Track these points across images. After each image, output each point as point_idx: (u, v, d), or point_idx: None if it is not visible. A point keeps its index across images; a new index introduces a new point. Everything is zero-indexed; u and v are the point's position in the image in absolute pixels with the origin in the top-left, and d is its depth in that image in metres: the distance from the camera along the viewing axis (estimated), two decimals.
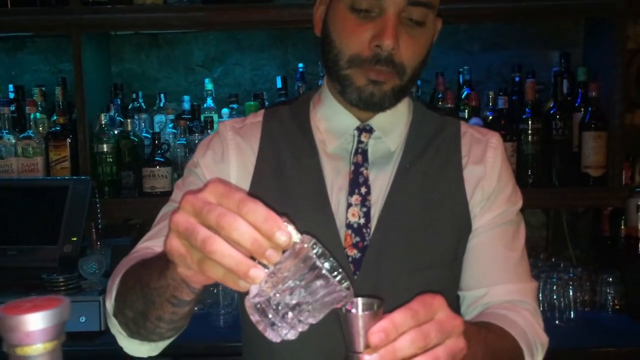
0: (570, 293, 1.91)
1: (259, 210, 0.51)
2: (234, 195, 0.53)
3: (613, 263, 2.08)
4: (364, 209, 0.92)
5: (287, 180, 0.95)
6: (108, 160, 2.06)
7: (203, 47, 2.36)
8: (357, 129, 0.96)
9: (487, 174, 0.96)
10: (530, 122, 2.03)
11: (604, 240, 2.18)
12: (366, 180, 0.93)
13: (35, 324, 0.38)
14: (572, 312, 1.90)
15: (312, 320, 0.55)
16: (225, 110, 2.16)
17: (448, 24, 2.40)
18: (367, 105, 0.91)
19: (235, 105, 2.17)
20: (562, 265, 2.04)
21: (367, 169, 0.94)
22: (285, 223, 0.52)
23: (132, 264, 0.81)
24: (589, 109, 2.01)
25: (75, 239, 1.87)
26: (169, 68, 2.36)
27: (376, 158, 0.96)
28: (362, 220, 0.91)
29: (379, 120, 0.96)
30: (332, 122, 0.97)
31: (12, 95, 2.20)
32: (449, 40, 2.32)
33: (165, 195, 2.07)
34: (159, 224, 0.95)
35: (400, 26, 0.86)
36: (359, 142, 0.95)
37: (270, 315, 0.53)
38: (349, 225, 0.91)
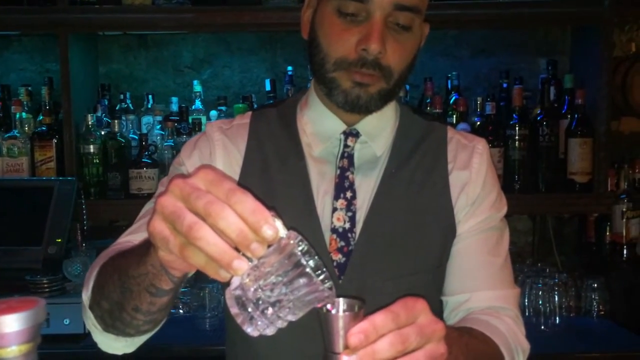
0: (556, 298, 1.91)
1: (247, 202, 0.51)
2: (224, 184, 0.52)
3: (598, 269, 2.09)
4: (349, 214, 0.92)
5: (272, 183, 0.94)
6: (94, 161, 2.04)
7: (192, 48, 2.35)
8: (344, 133, 0.96)
9: (472, 179, 0.96)
10: (517, 128, 2.05)
11: (589, 247, 2.20)
12: (352, 184, 0.93)
13: (10, 326, 0.37)
14: (557, 318, 1.91)
15: (291, 318, 0.54)
16: (213, 113, 2.16)
17: (437, 30, 2.41)
18: (353, 107, 0.90)
19: (223, 108, 2.16)
20: (547, 270, 2.05)
21: (352, 173, 0.94)
22: (273, 217, 0.51)
23: (111, 255, 0.80)
24: (575, 115, 2.03)
25: (60, 240, 1.85)
26: (157, 69, 2.35)
27: (362, 163, 0.96)
28: (347, 225, 0.91)
29: (365, 125, 0.96)
30: (318, 125, 0.97)
31: None
32: (438, 46, 2.33)
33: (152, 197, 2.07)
34: (141, 219, 0.95)
35: (386, 30, 0.86)
36: (345, 146, 0.95)
37: (249, 309, 0.52)
38: (334, 230, 0.91)
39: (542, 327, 1.88)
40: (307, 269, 0.51)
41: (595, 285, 1.97)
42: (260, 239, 0.51)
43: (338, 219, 0.91)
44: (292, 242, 0.52)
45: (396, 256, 0.92)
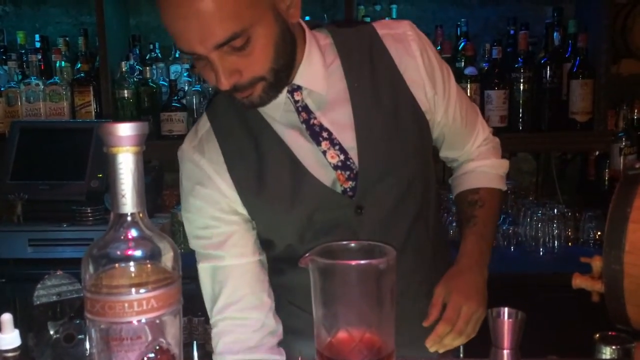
0: (555, 228, 2.06)
1: None
2: None
3: (597, 204, 2.23)
4: (336, 147, 1.00)
5: (256, 162, 1.02)
6: (129, 105, 2.22)
7: None
8: (288, 92, 1.00)
9: (419, 64, 1.04)
10: (522, 70, 2.17)
11: (589, 184, 2.33)
12: (321, 125, 1.01)
13: (124, 131, 0.54)
14: (555, 246, 2.06)
15: None
16: None
17: None
18: (255, 107, 0.98)
19: None
20: (547, 205, 2.19)
21: (315, 118, 1.01)
22: None
23: None
24: (578, 58, 2.14)
25: (100, 175, 2.04)
26: None
27: (317, 104, 1.02)
28: (342, 156, 1.00)
29: (298, 78, 1.00)
30: None
31: (37, 45, 2.35)
32: None
33: (182, 138, 2.22)
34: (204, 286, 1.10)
35: (228, 59, 0.87)
36: (296, 102, 1.01)
37: None
38: (336, 167, 1.00)
39: (541, 253, 2.04)
40: None
41: (593, 215, 2.11)
42: None
43: (332, 157, 1.00)
44: None
45: (389, 154, 1.02)
